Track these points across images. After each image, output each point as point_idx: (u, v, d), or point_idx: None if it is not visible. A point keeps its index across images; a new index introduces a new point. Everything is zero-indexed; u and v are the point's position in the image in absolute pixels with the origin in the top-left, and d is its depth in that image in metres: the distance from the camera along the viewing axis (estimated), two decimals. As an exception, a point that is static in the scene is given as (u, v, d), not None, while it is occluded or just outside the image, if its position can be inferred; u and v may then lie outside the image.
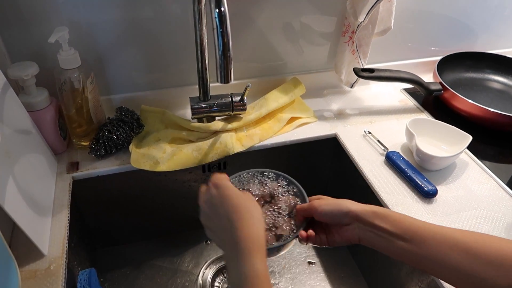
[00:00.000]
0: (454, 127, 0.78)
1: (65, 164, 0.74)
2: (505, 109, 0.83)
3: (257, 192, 0.59)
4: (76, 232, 0.71)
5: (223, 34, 0.51)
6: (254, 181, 0.61)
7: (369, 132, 0.83)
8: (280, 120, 0.84)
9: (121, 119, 0.77)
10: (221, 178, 0.51)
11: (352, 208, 0.51)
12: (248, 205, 0.48)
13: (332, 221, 0.53)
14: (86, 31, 0.75)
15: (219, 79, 0.55)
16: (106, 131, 0.75)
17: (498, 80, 1.02)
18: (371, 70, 0.87)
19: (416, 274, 0.66)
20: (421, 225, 0.48)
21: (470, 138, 0.75)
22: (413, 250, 0.47)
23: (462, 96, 0.86)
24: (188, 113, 0.83)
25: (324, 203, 0.54)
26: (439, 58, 0.99)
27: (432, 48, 1.04)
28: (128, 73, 0.83)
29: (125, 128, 0.76)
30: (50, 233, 0.62)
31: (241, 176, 0.62)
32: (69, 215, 0.65)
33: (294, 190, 0.60)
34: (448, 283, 0.46)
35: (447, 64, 0.99)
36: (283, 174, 0.62)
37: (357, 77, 0.91)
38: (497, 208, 0.69)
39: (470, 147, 0.75)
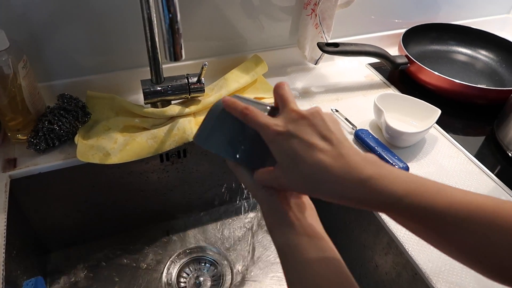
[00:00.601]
0: (422, 101, 0.75)
1: (0, 161, 0.65)
2: (470, 81, 0.82)
3: None
4: (18, 237, 0.63)
5: (169, 3, 0.44)
6: None
7: (336, 110, 0.79)
8: (242, 102, 0.79)
9: (64, 107, 0.69)
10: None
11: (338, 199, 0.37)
12: None
13: None
14: (14, 6, 0.65)
15: (167, 56, 0.48)
16: (46, 122, 0.66)
17: (462, 51, 1.00)
18: (336, 45, 0.82)
19: (391, 257, 0.64)
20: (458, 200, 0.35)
21: (439, 112, 0.73)
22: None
23: (428, 69, 0.84)
24: (140, 98, 0.76)
25: (286, 187, 0.39)
26: (403, 30, 0.96)
27: (396, 21, 1.00)
28: (70, 56, 0.74)
29: (68, 117, 0.68)
30: (-18, 242, 0.54)
31: None
32: (6, 220, 0.57)
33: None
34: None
35: (412, 36, 0.96)
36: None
37: (321, 53, 0.87)
38: (468, 182, 0.67)
39: (438, 121, 0.72)
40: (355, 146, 0.38)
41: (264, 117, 0.39)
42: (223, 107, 0.42)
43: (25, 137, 0.67)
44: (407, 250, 0.57)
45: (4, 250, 0.54)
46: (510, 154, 0.72)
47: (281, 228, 0.40)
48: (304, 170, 0.36)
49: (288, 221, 0.40)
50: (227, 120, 0.42)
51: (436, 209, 0.34)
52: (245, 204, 0.92)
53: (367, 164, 0.35)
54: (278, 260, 0.81)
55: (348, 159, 0.35)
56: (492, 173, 0.69)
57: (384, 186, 0.34)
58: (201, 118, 0.75)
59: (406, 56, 0.88)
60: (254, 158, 0.42)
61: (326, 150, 0.36)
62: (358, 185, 0.35)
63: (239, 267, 0.80)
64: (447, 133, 0.76)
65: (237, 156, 0.42)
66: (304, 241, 0.39)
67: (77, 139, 0.68)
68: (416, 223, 0.36)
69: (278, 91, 0.41)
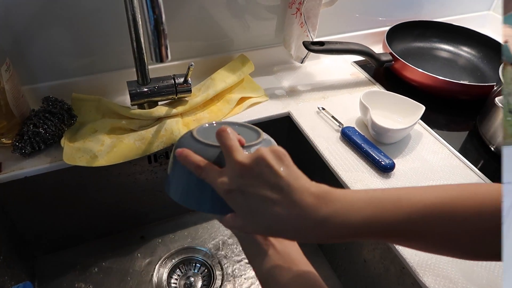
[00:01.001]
0: (407, 97, 0.77)
1: (-15, 166, 0.65)
2: (453, 77, 0.83)
3: None
4: (5, 243, 0.63)
5: (153, 4, 0.44)
6: None
7: (323, 108, 0.80)
8: (230, 101, 0.79)
9: (49, 110, 0.68)
10: None
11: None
12: None
13: None
14: (-5, 9, 0.64)
15: (153, 58, 0.48)
16: (31, 125, 0.65)
17: (444, 48, 1.02)
18: (321, 43, 0.83)
19: (379, 252, 0.65)
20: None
21: (423, 108, 0.74)
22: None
23: (412, 66, 0.85)
24: (127, 99, 0.75)
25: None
26: (387, 28, 0.97)
27: (380, 18, 1.02)
28: (54, 58, 0.73)
29: (54, 120, 0.67)
30: (-32, 249, 0.53)
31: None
32: (-8, 225, 0.57)
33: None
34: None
35: (395, 34, 0.97)
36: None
37: (307, 51, 0.88)
38: (453, 177, 0.68)
39: (423, 117, 0.74)
40: (304, 177, 0.38)
41: (212, 175, 0.39)
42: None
43: (10, 141, 0.66)
44: (394, 244, 0.58)
45: (-10, 256, 0.53)
46: (492, 149, 0.74)
47: (258, 259, 0.42)
48: (262, 223, 0.37)
49: (263, 251, 0.42)
50: (185, 171, 0.42)
51: (397, 224, 0.36)
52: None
53: (321, 204, 0.36)
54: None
55: (301, 205, 0.35)
56: (476, 167, 0.70)
57: (341, 223, 0.35)
58: (188, 119, 0.75)
59: (390, 53, 0.89)
60: (218, 205, 0.41)
61: (278, 200, 0.36)
62: (316, 228, 0.36)
63: (229, 266, 0.80)
64: (432, 128, 0.78)
65: (201, 205, 0.42)
66: (281, 268, 0.41)
67: (63, 142, 0.67)
68: (382, 239, 0.39)
69: (219, 140, 0.40)
